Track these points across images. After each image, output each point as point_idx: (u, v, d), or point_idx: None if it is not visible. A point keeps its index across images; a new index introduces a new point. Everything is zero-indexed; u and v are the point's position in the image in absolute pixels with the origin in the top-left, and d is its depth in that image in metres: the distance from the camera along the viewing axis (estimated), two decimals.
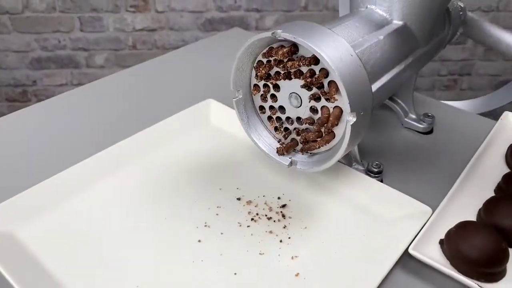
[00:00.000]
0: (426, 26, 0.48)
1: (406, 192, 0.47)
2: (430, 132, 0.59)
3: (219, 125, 0.57)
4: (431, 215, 0.44)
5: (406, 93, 0.58)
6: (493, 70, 1.66)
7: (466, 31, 0.61)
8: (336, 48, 0.36)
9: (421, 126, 0.58)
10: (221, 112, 0.57)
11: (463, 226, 0.41)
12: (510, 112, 0.59)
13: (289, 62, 0.39)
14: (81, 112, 0.62)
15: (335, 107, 0.39)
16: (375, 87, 0.43)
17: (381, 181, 0.50)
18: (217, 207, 0.45)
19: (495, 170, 0.51)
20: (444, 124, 0.61)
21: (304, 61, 0.37)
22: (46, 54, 1.51)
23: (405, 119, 0.59)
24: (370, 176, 0.49)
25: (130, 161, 0.50)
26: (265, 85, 0.44)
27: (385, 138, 0.58)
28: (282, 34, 0.37)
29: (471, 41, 1.66)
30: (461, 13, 0.57)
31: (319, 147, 0.41)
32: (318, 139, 0.41)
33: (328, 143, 0.41)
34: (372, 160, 0.50)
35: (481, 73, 1.69)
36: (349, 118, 0.37)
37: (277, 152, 0.45)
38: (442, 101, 0.67)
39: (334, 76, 0.36)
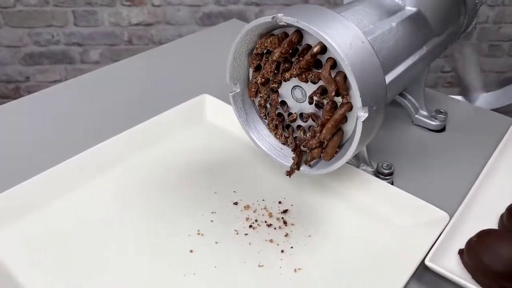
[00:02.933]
0: (441, 13, 0.44)
1: (419, 195, 0.42)
2: (442, 130, 0.55)
3: (215, 122, 0.53)
4: (449, 222, 0.39)
5: (417, 87, 0.53)
6: (498, 66, 1.61)
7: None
8: (345, 34, 0.32)
9: (433, 123, 0.54)
10: (217, 108, 0.53)
11: (485, 235, 0.37)
12: None
13: (286, 73, 0.35)
14: (67, 107, 0.57)
15: (343, 102, 0.34)
16: (388, 78, 0.38)
17: (392, 183, 0.46)
18: (212, 212, 0.41)
19: None
20: (457, 121, 0.56)
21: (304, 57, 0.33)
22: (39, 49, 1.47)
23: (416, 116, 0.54)
24: (379, 178, 0.45)
25: (117, 162, 0.46)
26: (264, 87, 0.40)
27: (394, 136, 0.54)
28: (283, 18, 0.33)
29: (476, 37, 1.62)
30: (476, 1, 0.52)
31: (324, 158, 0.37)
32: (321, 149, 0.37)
33: (335, 153, 0.36)
34: (380, 160, 0.46)
35: (486, 69, 1.65)
36: (361, 114, 0.32)
37: (287, 174, 0.40)
38: (454, 96, 0.63)
39: (343, 65, 0.31)
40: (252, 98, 0.41)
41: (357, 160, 0.46)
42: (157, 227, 0.39)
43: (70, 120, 0.54)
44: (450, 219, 0.40)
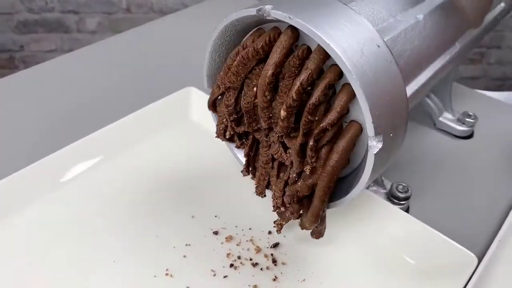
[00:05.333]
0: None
1: (439, 224, 0.34)
2: (470, 136, 0.46)
3: (201, 123, 0.44)
4: (477, 266, 0.32)
5: (444, 85, 0.44)
6: None
7: None
8: (354, 35, 0.23)
9: (459, 128, 0.45)
10: (205, 106, 0.45)
11: None
12: None
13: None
14: (23, 101, 0.49)
15: (351, 121, 0.26)
16: (410, 90, 0.30)
17: (408, 208, 0.38)
18: (186, 245, 0.34)
19: None
20: (488, 125, 0.48)
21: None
22: (32, 17, 1.38)
23: (440, 118, 0.46)
24: (393, 202, 0.37)
25: (75, 174, 0.38)
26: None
27: (412, 144, 0.45)
28: (272, 12, 0.24)
29: None
30: None
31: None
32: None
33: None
34: (394, 175, 0.38)
35: None
36: (372, 143, 0.24)
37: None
38: (487, 93, 0.53)
39: (349, 79, 0.23)
40: (220, 138, 0.32)
41: None
42: (118, 264, 0.32)
43: (33, 120, 0.46)
44: (480, 262, 0.32)
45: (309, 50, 0.25)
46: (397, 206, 0.36)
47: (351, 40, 0.23)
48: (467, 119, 0.45)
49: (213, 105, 0.30)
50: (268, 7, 0.24)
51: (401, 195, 0.36)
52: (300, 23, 0.23)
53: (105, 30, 1.42)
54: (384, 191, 0.38)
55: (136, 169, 0.39)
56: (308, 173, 0.26)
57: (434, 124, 0.47)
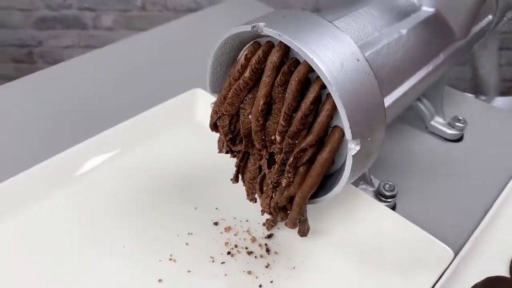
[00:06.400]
0: (465, 14, 0.37)
1: (425, 222, 0.37)
2: (459, 139, 0.49)
3: (206, 123, 0.48)
4: (453, 260, 0.35)
5: (435, 91, 0.47)
6: None
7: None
8: (336, 51, 0.26)
9: (449, 132, 0.48)
10: (209, 106, 0.48)
11: (491, 284, 0.32)
12: None
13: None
14: (36, 101, 0.52)
15: (334, 126, 0.29)
16: (392, 98, 0.33)
17: (394, 205, 0.41)
18: (188, 233, 0.37)
19: None
20: (478, 129, 0.50)
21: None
22: (51, 14, 1.43)
23: (431, 122, 0.48)
24: (380, 200, 0.40)
25: (86, 169, 0.41)
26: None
27: (403, 145, 0.48)
28: (265, 29, 0.27)
29: None
30: None
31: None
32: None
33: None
34: (385, 174, 0.41)
35: None
36: (351, 146, 0.27)
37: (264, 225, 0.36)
38: (477, 97, 0.56)
39: (330, 90, 0.26)
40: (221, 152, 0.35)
41: (357, 178, 0.40)
42: (127, 249, 0.36)
43: (40, 118, 0.50)
44: (456, 256, 0.35)
45: (297, 61, 0.28)
46: (383, 203, 0.39)
47: (333, 55, 0.26)
48: (457, 124, 0.48)
49: (214, 126, 0.33)
50: (261, 24, 0.28)
51: (387, 193, 0.39)
52: (288, 40, 0.26)
53: (120, 27, 1.46)
54: (373, 189, 0.41)
55: (146, 165, 0.43)
56: (283, 185, 0.29)
57: (426, 127, 0.49)
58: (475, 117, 0.51)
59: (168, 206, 0.39)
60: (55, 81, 0.56)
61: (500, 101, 0.60)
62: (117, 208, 0.39)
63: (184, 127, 0.48)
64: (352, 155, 0.27)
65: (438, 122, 0.48)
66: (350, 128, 0.26)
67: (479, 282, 0.33)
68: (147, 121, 0.46)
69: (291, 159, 0.28)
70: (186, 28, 0.68)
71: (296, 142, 0.28)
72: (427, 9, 0.36)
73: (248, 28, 0.28)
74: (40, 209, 0.38)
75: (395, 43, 0.32)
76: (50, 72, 0.57)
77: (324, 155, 0.28)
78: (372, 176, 0.41)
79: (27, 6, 1.40)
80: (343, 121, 0.26)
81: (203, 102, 0.49)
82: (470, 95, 0.56)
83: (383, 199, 0.40)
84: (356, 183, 0.41)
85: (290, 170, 0.28)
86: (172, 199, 0.40)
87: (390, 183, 0.40)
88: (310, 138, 0.28)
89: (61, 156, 0.40)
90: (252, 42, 0.31)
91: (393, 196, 0.40)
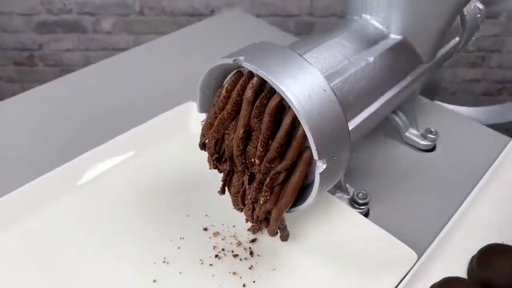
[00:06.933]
0: (432, 39, 0.41)
1: (395, 226, 0.42)
2: (432, 149, 0.53)
3: (197, 133, 0.52)
4: (416, 262, 0.39)
5: (410, 105, 0.51)
6: None
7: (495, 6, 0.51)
8: (304, 83, 0.30)
9: (422, 143, 0.52)
10: (201, 118, 0.52)
11: (447, 284, 0.36)
12: None
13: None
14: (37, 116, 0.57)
15: (306, 147, 0.33)
16: (359, 119, 0.37)
17: (368, 211, 0.45)
18: (181, 238, 0.41)
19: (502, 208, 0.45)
20: (449, 139, 0.54)
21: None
22: (52, 18, 1.46)
23: (406, 133, 0.53)
24: (354, 206, 0.44)
25: (86, 179, 0.46)
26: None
27: (380, 155, 0.52)
28: (244, 63, 0.31)
29: (505, 15, 1.53)
30: (478, 15, 0.49)
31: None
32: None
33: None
34: (362, 183, 0.45)
35: None
36: (318, 165, 0.31)
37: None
38: (451, 107, 0.60)
39: (299, 118, 0.30)
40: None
41: (334, 187, 0.45)
42: (124, 253, 0.40)
43: (41, 132, 0.54)
44: (419, 258, 0.39)
45: (272, 90, 0.32)
46: (356, 210, 0.43)
47: (302, 87, 0.30)
48: (429, 135, 0.52)
49: (203, 146, 0.37)
50: (241, 58, 0.32)
51: (360, 201, 0.44)
52: (264, 74, 0.30)
53: (119, 30, 1.50)
54: (348, 196, 0.45)
55: (142, 176, 0.47)
56: (261, 203, 0.33)
57: (401, 138, 0.53)
58: (448, 128, 0.55)
59: (162, 213, 0.43)
60: (50, 97, 0.59)
61: (471, 112, 0.64)
62: (117, 215, 0.43)
63: (178, 139, 0.52)
64: (319, 173, 0.31)
65: (412, 134, 0.52)
66: (316, 150, 0.30)
67: (436, 282, 0.37)
68: (144, 133, 0.50)
69: (268, 180, 0.32)
70: (181, 42, 0.72)
71: (273, 165, 0.32)
72: (395, 37, 0.40)
73: (230, 61, 0.32)
74: (43, 217, 0.42)
75: (362, 71, 0.36)
76: (46, 88, 0.61)
77: (295, 178, 0.32)
78: (348, 185, 0.45)
79: (28, 11, 1.44)
80: (311, 144, 0.30)
81: (196, 115, 0.53)
82: (444, 104, 0.60)
83: (357, 206, 0.44)
84: (332, 192, 0.45)
85: (267, 189, 0.33)
86: (166, 207, 0.44)
87: (363, 192, 0.44)
88: (284, 163, 0.32)
89: (63, 168, 0.45)
90: (235, 70, 0.35)
91: (365, 204, 0.44)
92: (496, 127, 0.57)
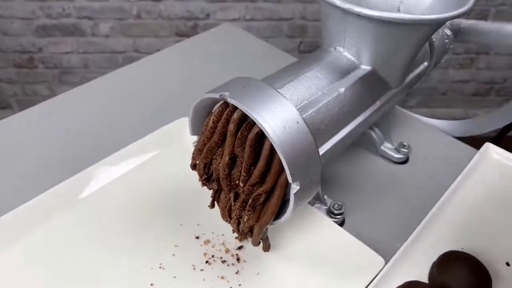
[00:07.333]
0: (399, 67, 0.46)
1: (367, 234, 0.46)
2: (405, 162, 0.58)
3: (191, 148, 0.57)
4: (383, 267, 0.44)
5: (384, 122, 0.56)
6: None
7: (463, 39, 0.57)
8: (280, 116, 0.35)
9: (396, 156, 0.57)
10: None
11: (408, 287, 0.41)
12: (491, 144, 0.57)
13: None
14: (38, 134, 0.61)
15: (282, 171, 0.38)
16: (330, 144, 0.42)
17: (343, 221, 0.50)
18: (175, 246, 0.46)
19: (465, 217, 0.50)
20: (421, 152, 0.59)
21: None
22: (51, 22, 1.50)
23: (381, 147, 0.58)
24: (330, 216, 0.49)
25: (87, 193, 0.50)
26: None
27: (357, 167, 0.57)
28: (228, 99, 0.36)
29: (492, 19, 1.57)
30: (446, 41, 0.54)
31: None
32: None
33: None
34: (339, 194, 0.50)
35: (500, 51, 1.62)
36: (293, 186, 0.36)
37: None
38: (425, 120, 0.65)
39: (275, 147, 0.35)
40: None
41: (313, 198, 0.50)
42: (124, 259, 0.45)
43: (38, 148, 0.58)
44: (387, 263, 0.44)
45: (252, 122, 0.37)
46: (333, 220, 0.48)
47: (278, 120, 0.35)
48: (402, 149, 0.57)
49: (194, 167, 0.42)
50: (226, 94, 0.36)
51: (335, 211, 0.49)
52: (244, 109, 0.35)
53: (117, 34, 1.54)
54: (325, 207, 0.50)
55: (139, 189, 0.52)
56: (245, 220, 0.38)
57: (377, 151, 0.58)
58: (420, 140, 0.60)
59: (158, 223, 0.48)
60: (45, 116, 0.63)
61: (444, 124, 0.69)
62: (117, 226, 0.48)
63: (172, 153, 0.56)
64: (294, 193, 0.36)
65: (386, 147, 0.57)
66: (290, 174, 0.35)
67: (399, 286, 0.42)
68: (141, 149, 0.55)
69: (250, 200, 0.37)
70: (175, 56, 0.77)
71: (255, 188, 0.37)
72: (365, 67, 0.45)
73: (216, 95, 0.37)
74: (43, 232, 0.47)
75: (333, 100, 0.41)
76: (42, 107, 0.65)
77: (274, 201, 0.37)
78: (325, 196, 0.50)
79: (29, 15, 1.48)
80: (285, 169, 0.35)
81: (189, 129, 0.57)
82: (419, 116, 0.65)
83: (333, 216, 0.49)
84: (312, 202, 0.50)
85: (250, 209, 0.38)
86: (161, 217, 0.49)
87: (339, 203, 0.49)
88: (264, 187, 0.37)
89: (64, 184, 0.50)
90: (221, 102, 0.40)
91: (340, 214, 0.49)
92: (465, 139, 0.62)
